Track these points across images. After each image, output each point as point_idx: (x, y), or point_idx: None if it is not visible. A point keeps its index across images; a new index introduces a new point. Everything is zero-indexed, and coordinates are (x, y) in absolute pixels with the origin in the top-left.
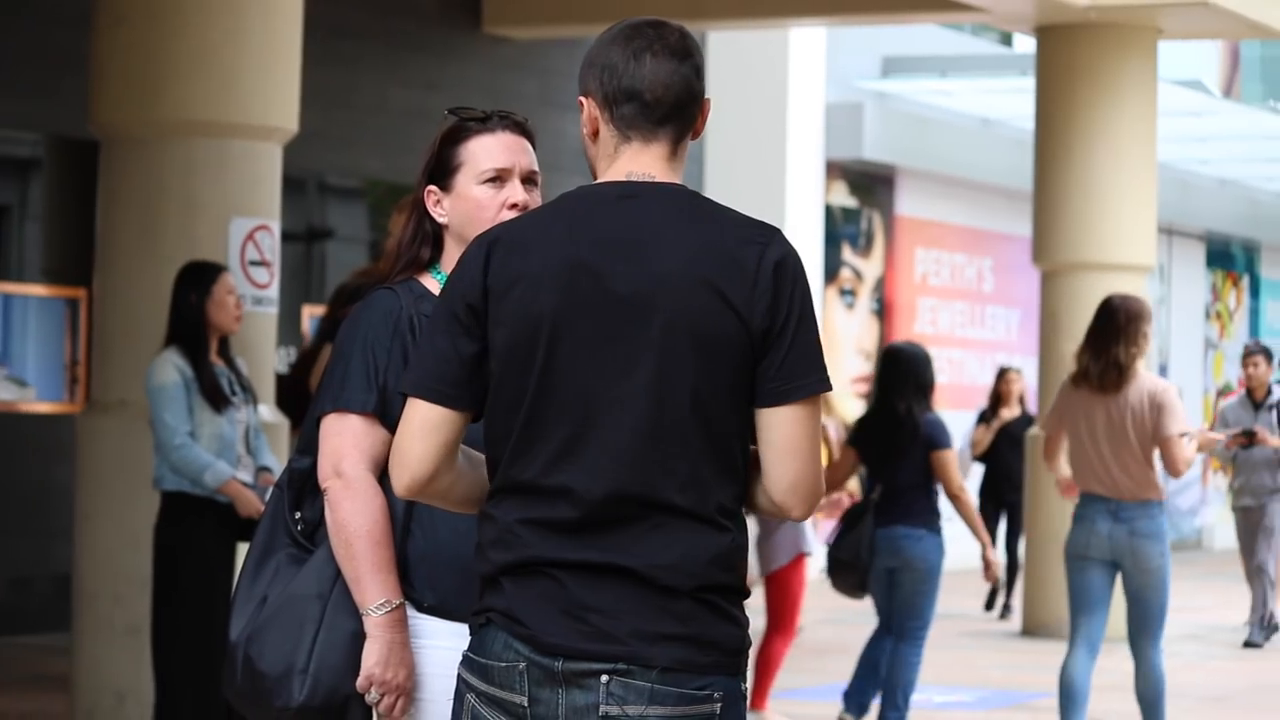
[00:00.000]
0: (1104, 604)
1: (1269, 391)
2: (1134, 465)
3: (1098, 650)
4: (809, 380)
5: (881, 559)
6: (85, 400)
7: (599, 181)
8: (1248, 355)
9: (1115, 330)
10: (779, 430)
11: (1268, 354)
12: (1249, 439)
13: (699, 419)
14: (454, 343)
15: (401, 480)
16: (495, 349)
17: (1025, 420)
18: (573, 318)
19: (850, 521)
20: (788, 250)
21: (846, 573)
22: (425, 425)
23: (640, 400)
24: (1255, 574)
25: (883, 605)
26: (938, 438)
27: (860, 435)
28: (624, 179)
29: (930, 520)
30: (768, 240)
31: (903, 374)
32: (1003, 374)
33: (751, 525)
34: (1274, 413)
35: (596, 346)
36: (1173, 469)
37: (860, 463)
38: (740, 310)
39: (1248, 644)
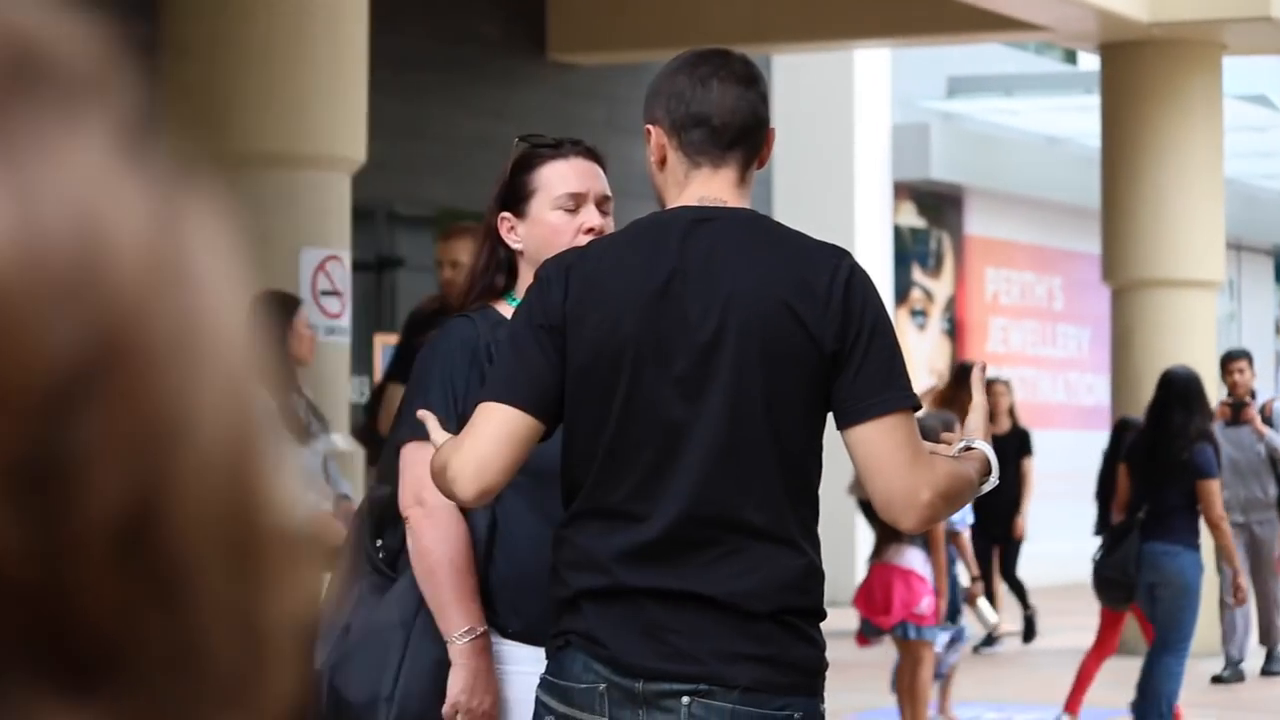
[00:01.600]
0: None
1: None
2: None
3: None
4: (882, 397)
5: (1143, 574)
6: None
7: (673, 207)
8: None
9: None
10: (860, 449)
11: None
12: (1235, 412)
13: (773, 438)
14: (544, 355)
15: (476, 486)
16: (572, 373)
17: (1018, 436)
18: (653, 343)
19: (1117, 538)
20: (857, 271)
21: (1113, 588)
22: (515, 435)
23: (717, 422)
24: (1261, 600)
25: (1149, 618)
26: (1205, 467)
27: (1133, 456)
28: (696, 204)
29: (1189, 539)
30: (838, 261)
31: (1175, 398)
32: (989, 386)
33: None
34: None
35: (676, 372)
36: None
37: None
38: (812, 330)
39: (1266, 672)
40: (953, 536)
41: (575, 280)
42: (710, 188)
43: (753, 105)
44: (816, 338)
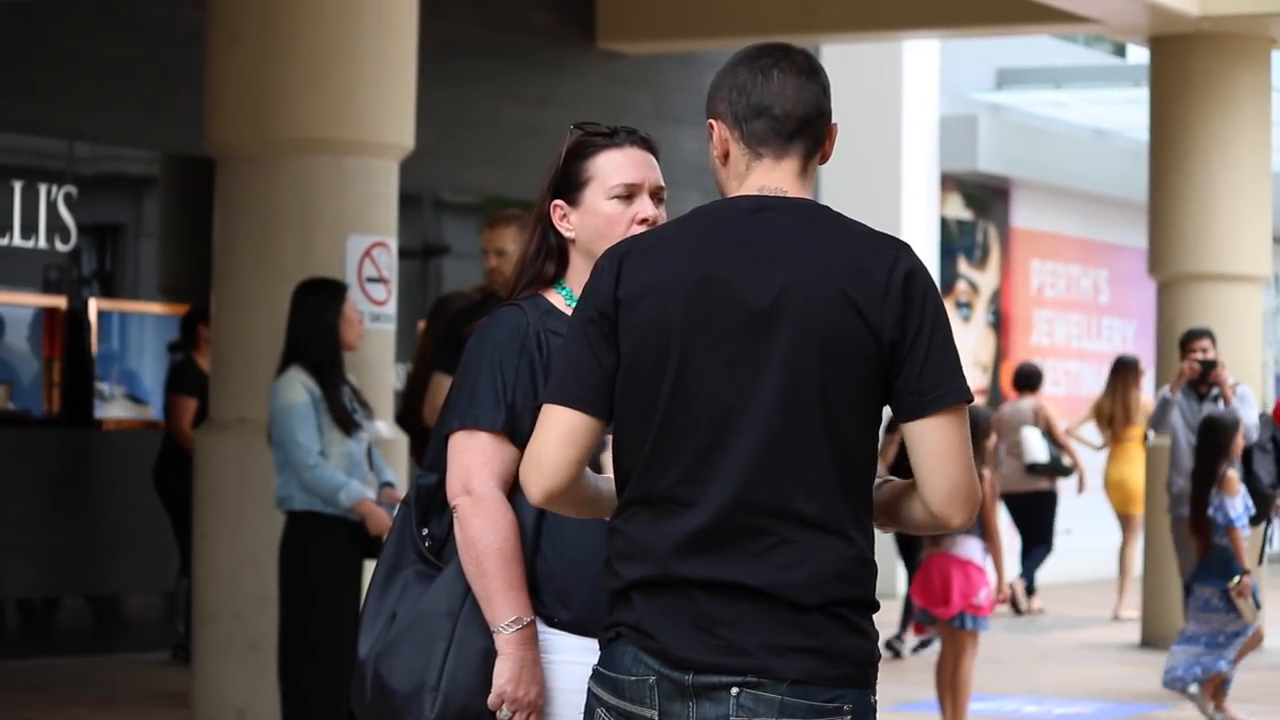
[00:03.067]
0: None
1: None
2: None
3: None
4: (945, 390)
5: None
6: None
7: (732, 196)
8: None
9: None
10: (926, 441)
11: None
12: (1205, 371)
13: (828, 428)
14: (592, 350)
15: (540, 488)
16: (624, 358)
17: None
18: (705, 328)
19: None
20: (917, 263)
21: None
22: (567, 433)
23: (771, 409)
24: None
25: None
26: None
27: None
28: (756, 193)
29: None
30: (898, 253)
31: None
32: None
33: None
34: (1219, 404)
35: (729, 356)
36: None
37: None
38: (871, 321)
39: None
40: (1228, 530)
41: (628, 266)
42: (771, 178)
43: (815, 96)
44: (875, 328)
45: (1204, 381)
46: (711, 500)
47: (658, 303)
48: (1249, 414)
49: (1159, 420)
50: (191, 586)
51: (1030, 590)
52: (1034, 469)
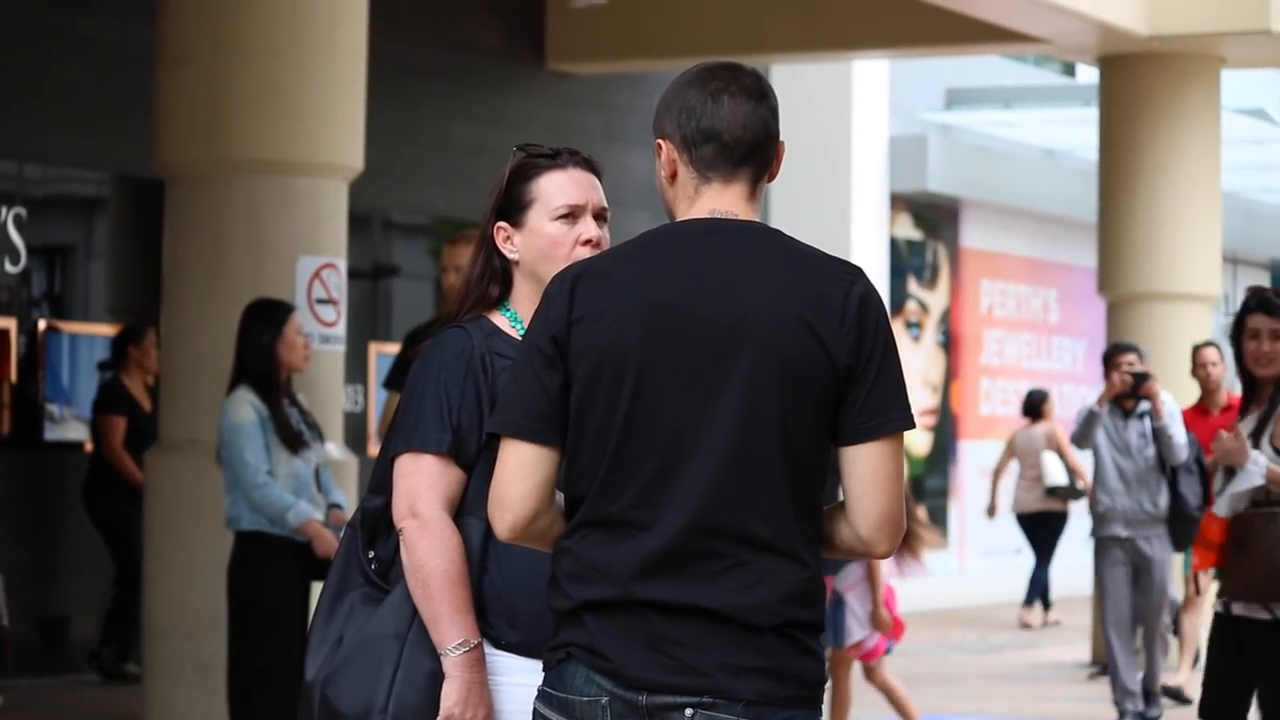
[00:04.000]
0: None
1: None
2: None
3: None
4: (892, 417)
5: None
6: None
7: (684, 219)
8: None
9: None
10: (865, 466)
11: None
12: (1137, 384)
13: (785, 450)
14: (539, 378)
15: (504, 522)
16: (578, 381)
17: None
18: (661, 350)
19: None
20: (871, 288)
21: None
22: (522, 465)
23: (729, 431)
24: (1148, 636)
25: None
26: None
27: None
28: (707, 216)
29: None
30: (853, 278)
31: None
32: None
33: None
34: (1145, 422)
35: (685, 379)
36: None
37: None
38: (829, 345)
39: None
40: None
41: (582, 289)
42: (721, 202)
43: (764, 120)
44: (832, 353)
45: (1133, 395)
46: (668, 522)
47: (613, 326)
48: (1177, 432)
49: (1081, 436)
50: (118, 598)
51: (1047, 604)
52: (1054, 492)
